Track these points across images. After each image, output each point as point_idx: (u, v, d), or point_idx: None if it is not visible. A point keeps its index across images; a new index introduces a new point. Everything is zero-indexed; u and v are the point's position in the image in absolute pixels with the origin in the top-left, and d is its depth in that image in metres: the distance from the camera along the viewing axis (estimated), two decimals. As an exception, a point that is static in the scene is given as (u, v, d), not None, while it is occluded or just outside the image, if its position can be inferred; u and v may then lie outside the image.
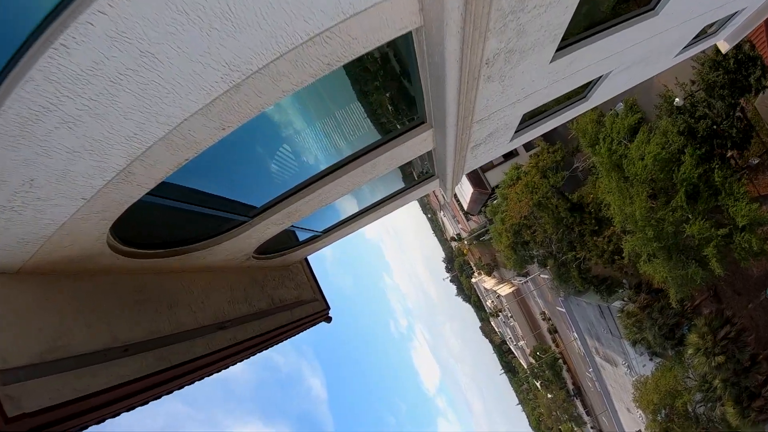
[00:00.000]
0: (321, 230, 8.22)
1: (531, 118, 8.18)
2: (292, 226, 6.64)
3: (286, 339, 7.57)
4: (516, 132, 7.92)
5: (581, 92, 8.61)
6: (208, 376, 5.34)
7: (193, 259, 5.29)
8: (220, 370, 5.54)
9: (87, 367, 3.62)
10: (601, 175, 22.02)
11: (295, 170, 5.19)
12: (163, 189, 3.71)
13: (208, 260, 5.62)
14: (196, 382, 5.26)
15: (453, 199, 73.33)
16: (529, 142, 39.88)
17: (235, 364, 5.95)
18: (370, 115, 5.35)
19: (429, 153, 6.49)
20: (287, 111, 4.18)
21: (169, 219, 4.63)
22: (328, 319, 9.27)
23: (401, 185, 8.27)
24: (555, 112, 8.68)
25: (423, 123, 5.49)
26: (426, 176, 8.21)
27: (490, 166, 42.81)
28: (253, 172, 4.85)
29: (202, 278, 5.74)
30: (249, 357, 6.30)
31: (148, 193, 3.54)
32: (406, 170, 7.75)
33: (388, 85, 4.96)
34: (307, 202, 5.48)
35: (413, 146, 5.73)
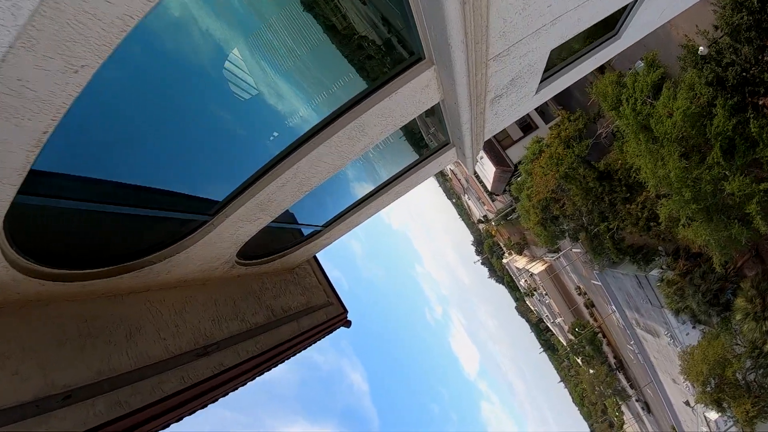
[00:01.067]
0: (321, 224, 7.32)
1: (558, 64, 7.07)
2: (280, 221, 5.79)
3: (294, 354, 6.69)
4: (542, 81, 6.76)
5: (612, 27, 7.44)
6: (188, 414, 4.41)
7: (154, 275, 4.42)
8: (204, 406, 4.64)
9: (10, 425, 2.84)
10: (627, 139, 20.79)
11: (259, 146, 4.23)
12: (84, 189, 2.97)
13: (177, 273, 4.76)
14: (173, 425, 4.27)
15: (476, 180, 72.22)
16: (548, 113, 38.79)
17: (226, 394, 5.07)
18: (347, 53, 4.19)
19: (436, 109, 5.38)
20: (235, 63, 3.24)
21: (106, 228, 3.76)
22: (347, 324, 8.44)
23: (410, 159, 7.18)
24: (584, 54, 7.41)
25: (420, 60, 4.23)
26: (439, 146, 7.07)
27: (510, 143, 41.66)
28: (203, 154, 3.85)
29: (174, 296, 4.90)
30: (243, 384, 5.44)
31: (63, 197, 2.83)
32: (413, 138, 6.77)
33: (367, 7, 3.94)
34: (282, 187, 4.52)
35: (412, 96, 4.50)
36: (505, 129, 41.30)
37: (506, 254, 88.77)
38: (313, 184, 4.92)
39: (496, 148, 42.23)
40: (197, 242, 4.44)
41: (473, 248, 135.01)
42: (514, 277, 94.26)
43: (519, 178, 42.24)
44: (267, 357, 5.65)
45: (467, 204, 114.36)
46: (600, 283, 47.49)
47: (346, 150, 4.67)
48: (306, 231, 7.22)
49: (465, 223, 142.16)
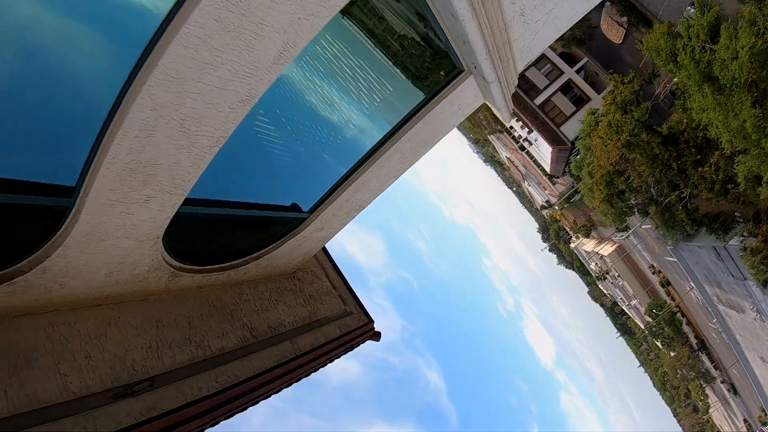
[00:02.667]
0: (307, 210, 5.88)
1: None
2: (239, 208, 4.78)
3: (289, 383, 5.43)
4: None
5: None
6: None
7: (42, 291, 3.41)
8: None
9: None
10: (690, 93, 18.80)
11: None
12: None
13: (76, 287, 3.68)
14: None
15: (532, 163, 69.87)
16: (599, 83, 36.63)
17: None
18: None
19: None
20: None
21: None
22: (375, 337, 7.33)
23: (409, 103, 5.33)
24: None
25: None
26: (447, 75, 5.26)
27: (563, 119, 39.52)
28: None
29: (93, 317, 3.90)
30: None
31: None
32: (408, 70, 5.18)
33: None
34: (173, 142, 3.22)
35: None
36: (556, 105, 39.47)
37: (573, 238, 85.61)
38: (223, 133, 3.93)
39: (549, 126, 40.28)
40: (70, 238, 3.30)
41: (539, 236, 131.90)
42: (583, 262, 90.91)
43: (578, 156, 40.19)
44: (233, 394, 4.42)
45: (528, 191, 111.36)
46: (675, 259, 44.47)
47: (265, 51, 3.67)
48: (286, 220, 5.91)
49: (528, 210, 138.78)
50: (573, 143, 39.91)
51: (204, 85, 2.93)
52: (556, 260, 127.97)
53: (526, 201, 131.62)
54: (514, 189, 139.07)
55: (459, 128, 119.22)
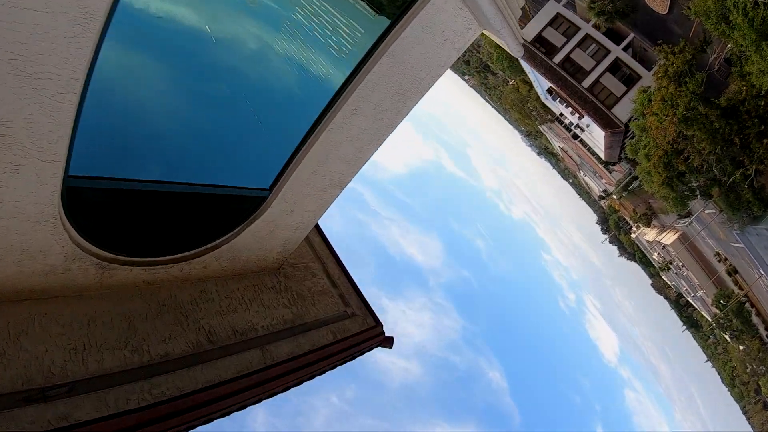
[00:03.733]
0: (268, 186, 5.03)
1: None
2: (169, 183, 4.09)
3: (259, 400, 4.65)
4: None
5: None
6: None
7: None
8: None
9: None
10: (748, 55, 17.26)
11: None
12: None
13: None
14: None
15: (587, 151, 67.34)
16: (648, 59, 34.57)
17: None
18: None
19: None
20: None
21: None
22: (387, 343, 6.45)
23: (368, 26, 4.34)
24: None
25: None
26: None
27: (614, 101, 37.54)
28: None
29: (16, 312, 3.52)
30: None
31: None
32: None
33: None
34: None
35: None
36: (605, 86, 37.57)
37: (634, 228, 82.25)
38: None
39: (600, 109, 38.35)
40: None
41: (598, 228, 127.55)
42: (645, 252, 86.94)
43: (633, 139, 38.16)
44: (169, 409, 3.74)
45: (584, 181, 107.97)
46: (742, 245, 41.60)
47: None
48: (241, 200, 5.04)
49: (586, 202, 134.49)
50: (627, 126, 37.91)
51: (20, 10, 2.27)
52: (617, 252, 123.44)
53: (584, 192, 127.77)
54: (571, 180, 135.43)
55: (509, 120, 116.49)
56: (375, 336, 6.24)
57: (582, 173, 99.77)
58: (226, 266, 5.27)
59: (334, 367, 5.75)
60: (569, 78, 38.82)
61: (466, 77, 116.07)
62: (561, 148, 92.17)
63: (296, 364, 4.98)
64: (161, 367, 4.03)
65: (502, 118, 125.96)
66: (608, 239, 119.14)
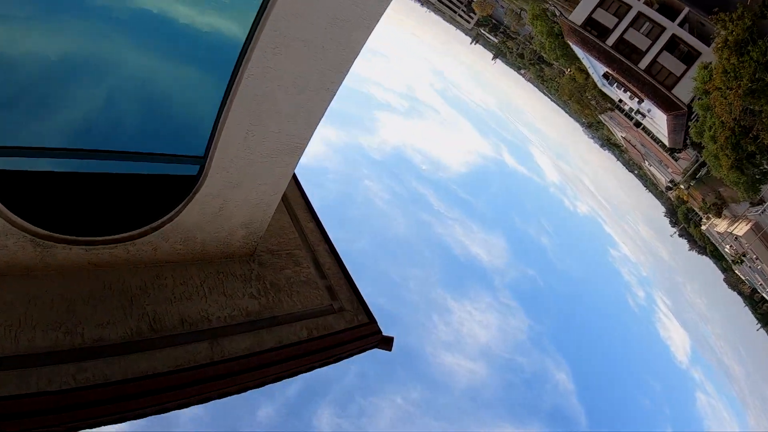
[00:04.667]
0: (202, 154, 4.40)
1: None
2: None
3: (203, 399, 4.11)
4: None
5: None
6: None
7: None
8: None
9: None
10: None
11: None
12: None
13: None
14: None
15: (651, 140, 64.37)
16: (705, 32, 32.31)
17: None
18: None
19: None
20: None
21: None
22: (385, 345, 5.71)
23: None
24: None
25: None
26: None
27: (674, 80, 35.34)
28: None
29: None
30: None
31: None
32: None
33: None
34: None
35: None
36: (663, 66, 35.45)
37: (704, 219, 78.06)
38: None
39: (659, 90, 36.21)
40: None
41: (666, 220, 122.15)
42: (717, 245, 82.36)
43: (697, 121, 35.88)
44: (90, 397, 3.43)
45: (650, 171, 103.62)
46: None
47: None
48: (173, 171, 4.47)
49: (653, 193, 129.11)
50: (689, 107, 35.66)
51: None
52: (687, 246, 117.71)
53: (650, 183, 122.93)
54: (636, 172, 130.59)
55: (569, 113, 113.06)
56: (367, 335, 5.54)
57: (647, 163, 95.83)
58: (180, 249, 4.76)
59: (312, 368, 5.07)
60: (624, 60, 36.91)
61: (522, 71, 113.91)
62: (623, 138, 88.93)
63: (253, 362, 4.40)
64: (92, 352, 3.76)
65: (562, 111, 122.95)
66: (677, 232, 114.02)
